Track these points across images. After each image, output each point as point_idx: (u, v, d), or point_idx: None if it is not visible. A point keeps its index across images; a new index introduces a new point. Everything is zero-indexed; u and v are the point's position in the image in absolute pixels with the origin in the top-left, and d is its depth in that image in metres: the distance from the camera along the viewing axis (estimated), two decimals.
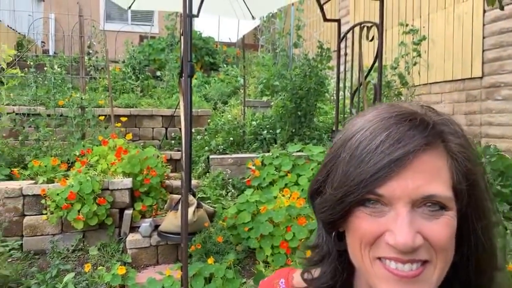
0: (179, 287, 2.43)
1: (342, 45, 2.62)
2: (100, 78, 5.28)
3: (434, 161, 0.52)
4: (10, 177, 3.32)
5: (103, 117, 3.98)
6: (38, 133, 3.61)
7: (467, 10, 4.46)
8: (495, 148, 3.58)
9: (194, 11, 4.75)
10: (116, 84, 5.16)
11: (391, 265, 0.51)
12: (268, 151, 3.97)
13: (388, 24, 5.73)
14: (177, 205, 3.00)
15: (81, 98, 3.86)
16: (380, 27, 2.10)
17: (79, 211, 2.85)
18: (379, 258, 0.52)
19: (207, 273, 2.46)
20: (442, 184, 0.51)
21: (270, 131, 4.26)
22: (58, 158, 3.40)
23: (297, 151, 3.82)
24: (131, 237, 2.99)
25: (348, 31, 2.52)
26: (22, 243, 2.89)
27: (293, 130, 4.25)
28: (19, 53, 5.04)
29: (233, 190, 3.51)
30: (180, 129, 3.24)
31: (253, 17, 4.37)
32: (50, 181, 3.17)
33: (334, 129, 2.90)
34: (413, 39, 4.51)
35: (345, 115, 3.45)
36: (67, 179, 3.04)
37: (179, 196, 2.97)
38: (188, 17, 2.45)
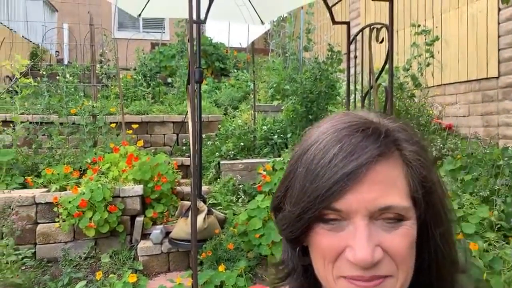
0: None
1: (352, 47, 2.57)
2: (112, 85, 5.34)
3: (389, 171, 0.51)
4: (24, 186, 3.36)
5: (114, 124, 4.00)
6: (51, 141, 3.65)
7: (481, 9, 4.36)
8: None
9: (202, 17, 4.75)
10: (127, 91, 5.20)
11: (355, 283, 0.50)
12: (279, 156, 3.93)
13: (400, 25, 5.65)
14: (187, 211, 2.98)
15: (93, 106, 3.90)
16: (390, 28, 2.05)
17: (90, 218, 2.86)
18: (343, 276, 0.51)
19: (218, 281, 2.43)
20: (399, 194, 0.50)
21: (281, 135, 4.23)
22: (70, 165, 3.43)
23: None
24: (143, 244, 2.98)
25: (357, 33, 2.48)
26: (35, 251, 2.92)
27: None
28: (32, 63, 5.14)
29: (244, 196, 3.48)
30: (197, 134, 3.24)
31: (262, 22, 4.35)
32: (63, 189, 3.19)
33: None
34: (425, 39, 4.43)
35: None
36: (79, 187, 3.06)
37: (190, 202, 2.95)
38: (195, 23, 2.44)
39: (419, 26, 4.57)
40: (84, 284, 2.46)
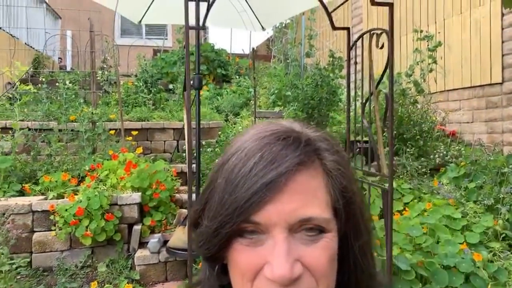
0: None
1: (354, 53, 2.53)
2: (113, 92, 5.33)
3: (310, 181, 0.49)
4: (21, 193, 3.33)
5: (114, 131, 3.98)
6: (50, 148, 3.63)
7: (484, 14, 4.31)
8: None
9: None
10: (128, 97, 5.19)
11: None
12: None
13: (403, 31, 5.61)
14: (185, 220, 2.94)
15: (92, 113, 3.88)
16: (390, 33, 2.01)
17: (87, 227, 2.82)
18: None
19: None
20: (319, 205, 0.49)
21: None
22: (68, 173, 3.40)
23: None
24: (140, 253, 2.93)
25: (357, 39, 2.44)
26: (31, 260, 2.88)
27: None
28: (30, 68, 5.14)
29: None
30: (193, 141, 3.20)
31: (263, 28, 4.32)
32: (60, 196, 3.16)
33: (348, 140, 2.80)
34: (428, 45, 4.38)
35: (357, 125, 3.35)
36: (76, 194, 3.02)
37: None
38: (192, 29, 2.41)
39: (421, 31, 4.53)
40: None
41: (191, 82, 3.17)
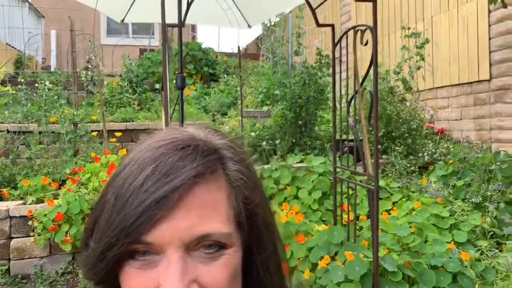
0: None
1: (339, 51, 2.47)
2: (97, 92, 5.22)
3: (210, 194, 0.45)
4: (0, 198, 3.22)
5: (96, 132, 3.88)
6: (30, 151, 3.52)
7: (471, 11, 4.30)
8: (506, 154, 3.38)
9: (189, 21, 4.65)
10: (113, 98, 5.09)
11: None
12: (268, 163, 3.82)
13: (391, 28, 5.59)
14: None
15: (73, 114, 3.77)
16: (374, 30, 1.96)
17: (67, 232, 2.73)
18: None
19: None
20: (220, 219, 0.45)
21: (270, 141, 4.12)
22: (49, 176, 3.30)
23: (298, 162, 3.67)
24: None
25: (342, 36, 2.39)
26: (9, 267, 2.78)
27: (294, 140, 4.11)
28: (14, 70, 5.01)
29: None
30: None
31: (249, 26, 4.26)
32: (40, 201, 3.06)
33: (334, 139, 2.75)
34: (415, 42, 4.36)
35: (344, 124, 3.31)
36: (56, 199, 2.93)
37: None
38: (177, 27, 2.34)
39: (409, 28, 4.50)
40: None
41: (174, 81, 3.09)
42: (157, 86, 5.81)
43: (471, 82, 4.34)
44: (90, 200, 2.86)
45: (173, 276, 0.41)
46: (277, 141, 4.08)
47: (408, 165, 3.73)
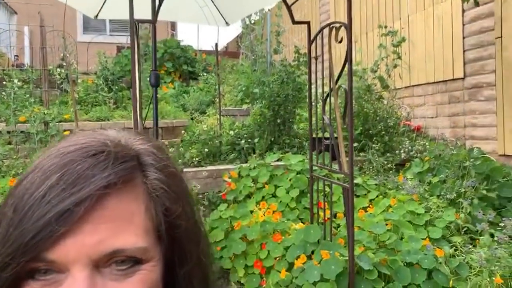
0: None
1: (315, 48, 2.45)
2: (72, 90, 5.07)
3: (124, 205, 0.41)
4: None
5: (69, 132, 3.76)
6: None
7: (446, 11, 4.37)
8: (479, 151, 3.45)
9: (165, 18, 4.55)
10: (88, 96, 4.95)
11: None
12: (246, 162, 3.79)
13: (369, 27, 5.63)
14: None
15: (44, 113, 3.64)
16: (348, 26, 1.94)
17: None
18: None
19: None
20: (135, 233, 0.41)
21: (248, 140, 4.08)
22: (18, 178, 3.16)
23: (276, 161, 3.65)
24: None
25: (318, 33, 2.37)
26: None
27: (272, 139, 4.08)
28: None
29: (207, 205, 3.31)
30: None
31: (227, 23, 4.21)
32: None
33: (310, 137, 2.74)
34: (392, 41, 4.40)
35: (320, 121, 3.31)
36: None
37: None
38: (142, 22, 2.27)
39: (386, 27, 4.54)
40: None
41: (148, 79, 3.02)
42: None
43: (446, 80, 4.41)
44: None
45: None
46: (256, 140, 4.05)
47: (385, 162, 3.76)
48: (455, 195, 2.98)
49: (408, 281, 2.11)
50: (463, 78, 4.19)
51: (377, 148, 3.86)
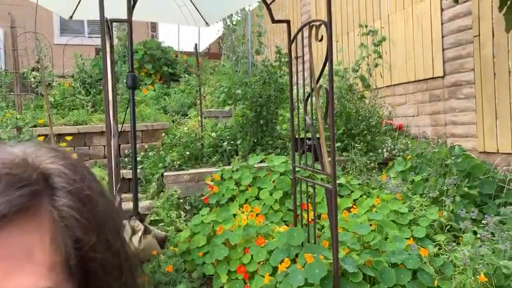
0: None
1: (295, 48, 2.41)
2: (48, 94, 4.90)
3: (22, 239, 0.35)
4: None
5: (43, 137, 3.62)
6: None
7: (425, 10, 4.40)
8: (461, 148, 3.47)
9: (144, 18, 4.44)
10: (64, 100, 4.79)
11: None
12: (229, 164, 3.72)
13: (350, 27, 5.65)
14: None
15: (17, 118, 3.50)
16: (328, 24, 1.90)
17: None
18: None
19: None
20: (35, 271, 0.34)
21: (231, 142, 4.02)
22: None
23: (259, 162, 3.60)
24: None
25: (298, 32, 2.33)
26: None
27: (255, 140, 4.03)
28: None
29: (189, 209, 3.23)
30: (132, 144, 2.96)
31: (206, 24, 4.14)
32: None
33: (292, 138, 2.69)
34: (373, 40, 4.41)
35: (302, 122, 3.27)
36: None
37: (126, 221, 2.66)
38: (116, 21, 2.19)
39: (366, 26, 4.55)
40: None
41: (125, 80, 2.93)
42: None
43: (426, 79, 4.44)
44: None
45: None
46: (238, 141, 3.99)
47: (368, 161, 3.75)
48: (437, 193, 2.99)
49: (393, 282, 2.08)
50: (443, 77, 4.22)
51: (359, 147, 3.85)
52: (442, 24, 4.20)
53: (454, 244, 2.53)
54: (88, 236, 0.37)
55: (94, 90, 4.95)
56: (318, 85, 2.10)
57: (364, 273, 2.05)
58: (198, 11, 3.93)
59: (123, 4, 2.75)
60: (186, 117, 5.07)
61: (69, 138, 3.86)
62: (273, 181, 3.22)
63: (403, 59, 4.71)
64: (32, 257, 0.35)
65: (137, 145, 3.57)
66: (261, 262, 2.35)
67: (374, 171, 3.70)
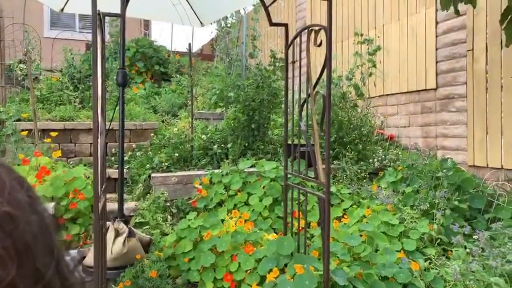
0: None
1: (292, 52, 2.36)
2: (34, 88, 4.76)
3: None
4: None
5: (27, 132, 3.49)
6: None
7: (420, 22, 4.42)
8: (452, 162, 3.47)
9: (138, 15, 4.35)
10: (51, 95, 4.66)
11: None
12: (219, 167, 3.65)
13: (344, 35, 5.65)
14: (106, 233, 2.59)
15: (0, 111, 3.37)
16: (328, 29, 1.86)
17: None
18: None
19: None
20: None
21: (222, 145, 3.95)
22: None
23: (249, 167, 3.53)
24: None
25: (295, 36, 2.28)
26: None
27: (246, 144, 3.97)
28: None
29: (176, 212, 3.14)
30: (119, 143, 2.86)
31: (201, 24, 4.07)
32: None
33: (285, 143, 2.64)
34: (368, 49, 4.40)
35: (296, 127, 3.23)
36: None
37: (110, 222, 2.56)
38: (110, 16, 2.11)
39: (362, 35, 4.55)
40: None
41: (115, 77, 2.84)
42: None
43: (419, 91, 4.45)
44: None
45: None
46: (229, 145, 3.92)
47: (359, 171, 3.72)
48: (428, 205, 2.97)
49: None
50: (435, 89, 4.24)
51: (351, 156, 3.82)
52: (436, 36, 4.22)
53: (444, 258, 2.50)
54: (3, 270, 0.28)
55: (83, 86, 4.83)
56: (314, 91, 2.05)
57: (354, 286, 2.00)
58: (193, 11, 3.86)
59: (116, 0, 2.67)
60: (176, 118, 4.98)
61: (54, 134, 3.73)
62: (263, 187, 3.16)
63: (397, 69, 4.72)
64: None
65: (125, 145, 3.47)
66: (249, 271, 2.28)
67: (364, 180, 3.67)
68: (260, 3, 2.48)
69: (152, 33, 10.86)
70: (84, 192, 2.85)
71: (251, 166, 3.54)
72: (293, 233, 2.41)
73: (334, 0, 5.53)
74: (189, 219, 2.80)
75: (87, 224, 2.90)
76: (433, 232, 2.70)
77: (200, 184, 3.27)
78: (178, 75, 6.10)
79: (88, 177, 3.05)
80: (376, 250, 2.44)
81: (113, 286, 2.34)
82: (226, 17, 6.38)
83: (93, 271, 2.41)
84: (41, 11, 8.79)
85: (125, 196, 3.31)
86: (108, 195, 3.49)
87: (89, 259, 2.47)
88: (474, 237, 2.52)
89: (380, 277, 2.16)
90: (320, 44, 2.02)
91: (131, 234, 2.50)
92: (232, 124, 4.06)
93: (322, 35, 2.07)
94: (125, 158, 3.72)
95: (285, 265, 2.16)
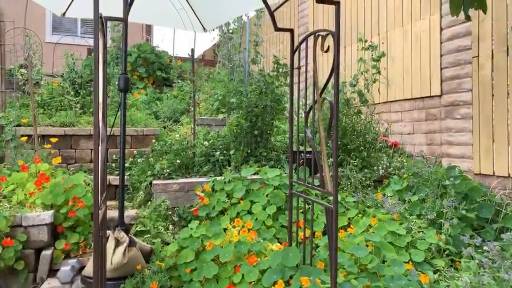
0: None
1: (300, 59, 2.31)
2: (34, 93, 4.72)
3: None
4: None
5: (26, 137, 3.44)
6: None
7: (424, 28, 4.38)
8: (459, 170, 3.41)
9: (140, 20, 4.32)
10: (52, 100, 4.62)
11: None
12: (221, 174, 3.59)
13: (347, 41, 5.62)
14: (107, 242, 2.52)
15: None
16: (336, 34, 1.81)
17: None
18: None
19: None
20: None
21: (224, 152, 3.89)
22: None
23: (252, 174, 3.47)
24: (47, 284, 2.47)
25: (302, 42, 2.24)
26: None
27: (249, 151, 3.91)
28: None
29: (178, 220, 3.08)
30: (120, 149, 2.81)
31: (204, 29, 4.03)
32: None
33: (290, 150, 2.59)
34: (372, 55, 4.36)
35: (302, 135, 3.17)
36: None
37: (110, 231, 2.50)
38: (111, 20, 2.06)
39: (366, 41, 4.51)
40: None
41: (117, 82, 2.79)
42: None
43: (423, 97, 4.40)
44: (10, 216, 2.46)
45: None
46: (232, 152, 3.87)
47: (363, 178, 3.66)
48: (435, 214, 2.90)
49: None
50: (440, 96, 4.19)
51: (355, 163, 3.76)
52: (441, 43, 4.18)
53: (452, 269, 2.44)
54: None
55: (84, 91, 4.78)
56: (322, 97, 2.00)
57: None
58: (196, 16, 3.83)
59: (119, 4, 2.63)
60: (178, 124, 4.94)
61: (54, 140, 3.68)
62: (267, 195, 3.10)
63: (400, 76, 4.68)
64: None
65: (126, 151, 3.42)
66: (253, 282, 2.21)
67: (369, 188, 3.61)
68: (262, 9, 2.45)
69: (154, 39, 10.87)
70: (84, 200, 2.79)
71: (254, 173, 3.48)
72: (298, 243, 2.35)
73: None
74: (191, 228, 2.74)
75: (87, 233, 2.83)
76: (441, 243, 2.63)
77: (202, 192, 3.21)
78: (180, 81, 6.06)
79: (88, 184, 3.00)
80: (384, 261, 2.38)
81: None
82: (228, 23, 6.36)
83: (92, 282, 2.35)
84: (44, 16, 8.79)
85: (125, 203, 3.25)
86: (108, 203, 3.44)
87: (89, 269, 2.41)
88: (484, 248, 2.45)
89: None
90: (328, 50, 1.97)
91: (131, 244, 2.44)
92: (235, 131, 4.01)
93: (328, 41, 2.02)
94: (126, 165, 3.67)
95: (291, 277, 2.10)
